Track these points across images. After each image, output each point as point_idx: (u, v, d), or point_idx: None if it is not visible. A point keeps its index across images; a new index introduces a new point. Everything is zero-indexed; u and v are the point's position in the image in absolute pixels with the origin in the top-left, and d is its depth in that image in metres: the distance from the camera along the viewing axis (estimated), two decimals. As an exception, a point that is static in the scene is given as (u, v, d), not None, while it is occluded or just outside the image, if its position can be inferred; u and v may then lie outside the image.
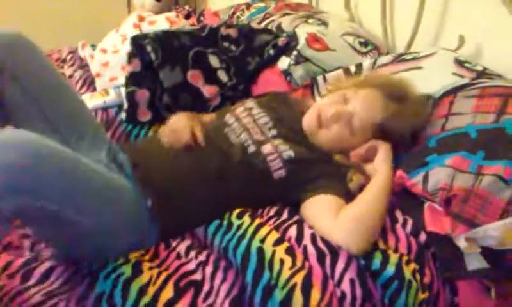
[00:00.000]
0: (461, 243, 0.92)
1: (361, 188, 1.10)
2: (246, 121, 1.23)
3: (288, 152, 1.13)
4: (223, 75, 1.60)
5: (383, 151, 1.13)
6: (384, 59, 1.48)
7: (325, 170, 1.14)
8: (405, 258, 0.96)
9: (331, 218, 1.02)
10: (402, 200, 1.10)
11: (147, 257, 1.00)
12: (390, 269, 0.93)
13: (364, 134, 1.16)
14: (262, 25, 1.84)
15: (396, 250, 0.99)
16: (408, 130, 1.15)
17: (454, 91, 1.19)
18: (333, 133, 1.17)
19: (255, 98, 1.39)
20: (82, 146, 1.17)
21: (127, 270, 0.93)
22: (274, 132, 1.20)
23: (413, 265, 0.95)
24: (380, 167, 1.10)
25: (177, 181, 1.09)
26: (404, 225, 1.05)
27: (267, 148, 1.13)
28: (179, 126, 1.17)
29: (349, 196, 1.10)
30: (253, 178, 1.11)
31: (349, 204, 1.06)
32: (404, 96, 1.18)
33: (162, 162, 1.13)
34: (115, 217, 0.99)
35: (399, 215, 1.08)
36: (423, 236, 1.01)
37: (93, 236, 0.97)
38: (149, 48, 1.52)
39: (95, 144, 1.20)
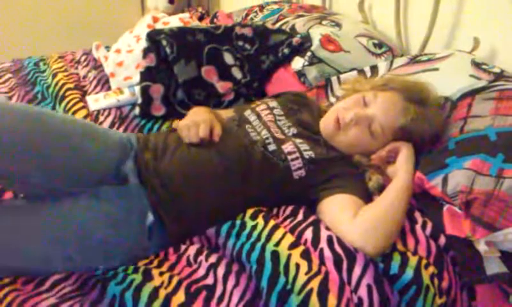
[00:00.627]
0: (481, 247, 0.91)
1: (381, 190, 1.09)
2: (267, 119, 1.23)
3: (309, 152, 1.12)
4: (237, 72, 1.61)
5: (405, 153, 1.11)
6: (399, 60, 1.48)
7: (344, 170, 1.13)
8: (424, 262, 0.94)
9: (349, 218, 1.01)
10: (421, 202, 1.09)
11: (156, 263, 1.00)
12: (409, 273, 0.91)
13: (384, 138, 1.15)
14: (276, 26, 1.84)
15: (415, 252, 0.97)
16: (429, 133, 1.14)
17: (472, 93, 1.17)
18: (352, 137, 1.16)
19: (275, 97, 1.39)
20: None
21: (137, 277, 0.93)
22: (294, 131, 1.20)
23: (431, 269, 0.94)
24: (401, 168, 1.09)
25: (193, 181, 1.07)
26: (423, 227, 1.03)
27: (288, 147, 1.12)
28: (198, 120, 1.14)
29: (368, 197, 1.09)
30: (273, 176, 1.10)
31: (368, 205, 1.05)
32: (424, 99, 1.16)
33: (178, 160, 1.10)
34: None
35: (418, 216, 1.06)
36: (442, 240, 1.00)
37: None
38: (164, 42, 1.53)
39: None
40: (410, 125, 1.12)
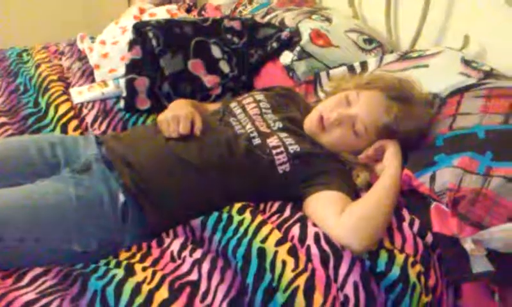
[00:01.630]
0: (468, 245, 0.91)
1: (368, 187, 1.09)
2: (253, 113, 1.22)
3: (295, 147, 1.11)
4: (224, 66, 1.60)
5: (391, 150, 1.11)
6: (390, 57, 1.48)
7: (330, 166, 1.13)
8: (411, 260, 0.94)
9: (335, 214, 1.00)
10: (409, 200, 1.08)
11: (138, 257, 0.98)
12: (396, 271, 0.91)
13: (368, 137, 1.14)
14: (265, 20, 1.83)
15: (402, 250, 0.97)
16: (414, 130, 1.14)
17: (461, 90, 1.18)
18: (336, 137, 1.16)
19: (264, 90, 1.37)
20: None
21: (119, 271, 0.92)
22: (280, 125, 1.19)
23: (418, 267, 0.93)
24: (388, 165, 1.08)
25: (166, 170, 1.07)
26: (411, 225, 1.02)
27: (273, 141, 1.12)
28: (178, 115, 1.14)
29: (355, 194, 1.08)
30: (257, 170, 1.09)
31: (355, 202, 1.04)
32: (408, 97, 1.16)
33: (152, 149, 1.11)
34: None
35: (405, 214, 1.06)
36: (429, 237, 1.00)
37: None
38: (150, 34, 1.52)
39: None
40: (394, 123, 1.12)
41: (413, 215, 1.05)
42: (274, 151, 1.10)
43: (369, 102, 1.15)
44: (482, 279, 0.94)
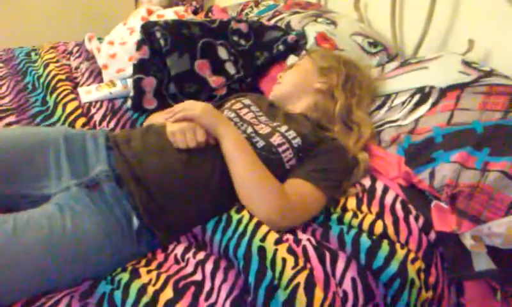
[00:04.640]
0: (467, 241, 0.92)
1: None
2: (248, 117, 1.23)
3: (297, 140, 1.13)
4: (230, 67, 1.60)
5: (194, 113, 1.11)
6: (391, 65, 1.48)
7: (328, 157, 1.13)
8: (411, 256, 0.94)
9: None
10: (411, 197, 1.08)
11: (143, 262, 0.98)
12: (394, 266, 0.92)
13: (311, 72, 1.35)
14: (271, 22, 1.83)
15: (406, 243, 0.97)
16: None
17: (461, 86, 1.18)
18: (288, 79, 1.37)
19: (239, 96, 1.40)
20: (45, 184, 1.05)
21: (125, 275, 0.92)
22: (277, 121, 1.21)
23: (418, 264, 0.94)
24: (214, 127, 1.10)
25: (189, 201, 1.03)
26: (416, 219, 1.02)
27: (277, 139, 1.12)
28: (193, 124, 1.10)
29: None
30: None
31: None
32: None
33: (165, 166, 1.05)
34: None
35: (412, 208, 1.05)
36: (433, 235, 1.00)
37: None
38: (158, 34, 1.53)
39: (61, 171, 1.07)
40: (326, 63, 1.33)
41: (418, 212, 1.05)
42: (280, 149, 1.10)
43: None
44: (485, 277, 0.94)
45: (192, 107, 1.12)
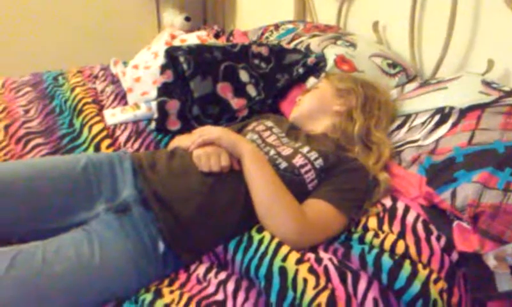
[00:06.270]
0: (490, 261, 0.91)
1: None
2: (271, 140, 1.25)
3: (319, 161, 1.13)
4: (251, 90, 1.63)
5: (219, 137, 1.13)
6: (411, 86, 1.49)
7: (348, 177, 1.13)
8: (434, 276, 0.94)
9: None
10: (433, 217, 1.08)
11: (166, 282, 0.99)
12: (416, 286, 0.91)
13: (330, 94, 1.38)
14: (291, 45, 1.86)
15: (428, 263, 0.97)
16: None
17: (481, 106, 1.18)
18: (307, 101, 1.41)
19: (260, 118, 1.44)
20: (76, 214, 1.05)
21: (148, 295, 0.93)
22: (299, 143, 1.22)
23: (441, 284, 0.93)
24: (238, 153, 1.11)
25: (215, 227, 1.05)
26: (438, 239, 1.02)
27: (299, 160, 1.13)
28: (217, 149, 1.12)
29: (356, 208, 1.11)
30: (290, 191, 1.08)
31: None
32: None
33: (192, 188, 1.06)
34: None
35: (433, 228, 1.05)
36: (455, 255, 1.00)
37: None
38: (182, 58, 1.56)
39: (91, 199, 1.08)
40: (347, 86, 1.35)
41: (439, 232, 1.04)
42: (302, 170, 1.11)
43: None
44: (508, 298, 0.93)
45: (211, 131, 1.16)
